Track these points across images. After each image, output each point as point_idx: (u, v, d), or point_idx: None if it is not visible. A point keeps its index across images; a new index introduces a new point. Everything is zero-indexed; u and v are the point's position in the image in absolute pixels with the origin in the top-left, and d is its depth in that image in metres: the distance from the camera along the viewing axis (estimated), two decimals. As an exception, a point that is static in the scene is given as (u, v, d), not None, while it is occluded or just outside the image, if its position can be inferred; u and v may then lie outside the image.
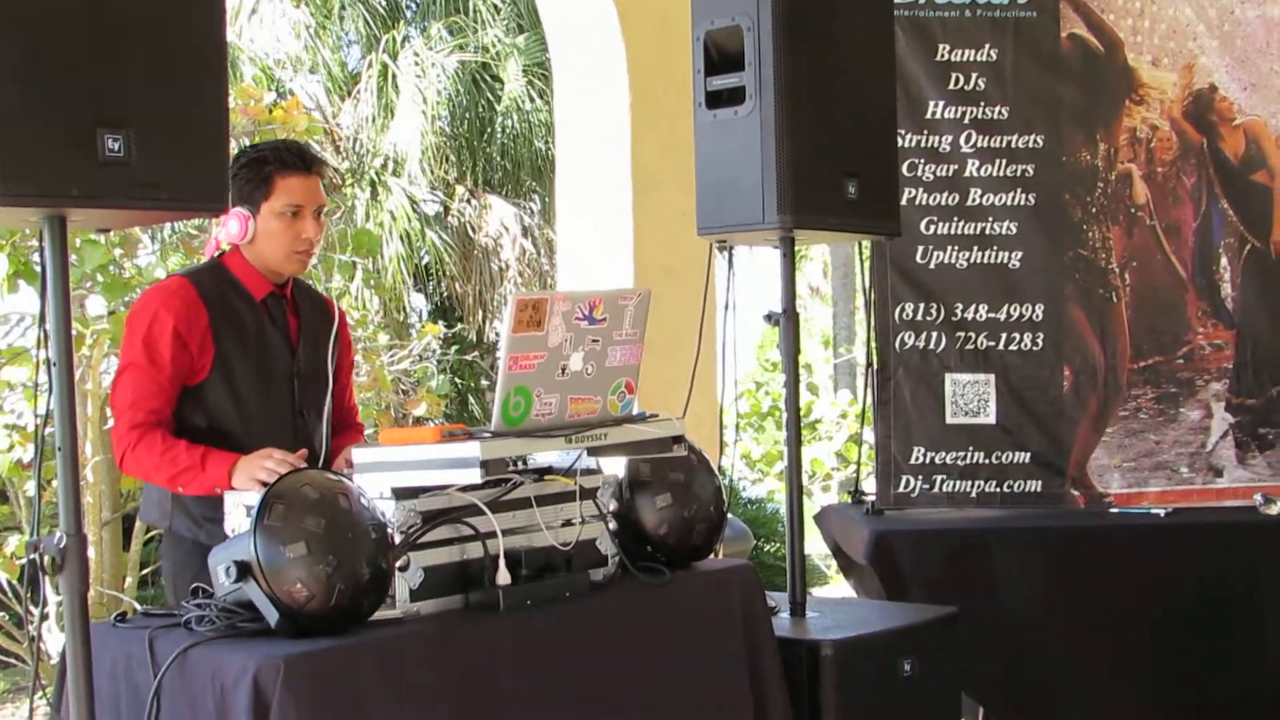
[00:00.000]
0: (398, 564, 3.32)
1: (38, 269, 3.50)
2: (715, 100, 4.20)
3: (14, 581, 7.57)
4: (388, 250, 13.33)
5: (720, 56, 4.19)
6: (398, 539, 3.33)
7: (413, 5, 14.65)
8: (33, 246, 7.14)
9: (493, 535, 3.45)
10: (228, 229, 3.89)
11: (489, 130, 14.18)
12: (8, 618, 7.98)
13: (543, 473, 3.58)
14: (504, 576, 3.44)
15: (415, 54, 13.86)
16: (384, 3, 14.34)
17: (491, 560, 3.45)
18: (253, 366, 3.87)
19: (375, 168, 13.72)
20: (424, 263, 14.45)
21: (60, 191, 2.84)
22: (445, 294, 14.68)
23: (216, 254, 3.95)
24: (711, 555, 4.04)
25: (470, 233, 14.24)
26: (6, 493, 7.80)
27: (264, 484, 3.43)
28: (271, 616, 3.16)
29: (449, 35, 14.10)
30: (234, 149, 7.96)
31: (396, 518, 3.35)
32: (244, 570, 3.16)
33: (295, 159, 3.88)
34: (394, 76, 13.80)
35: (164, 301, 3.79)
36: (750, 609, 3.94)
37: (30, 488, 6.84)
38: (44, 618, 6.53)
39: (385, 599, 3.29)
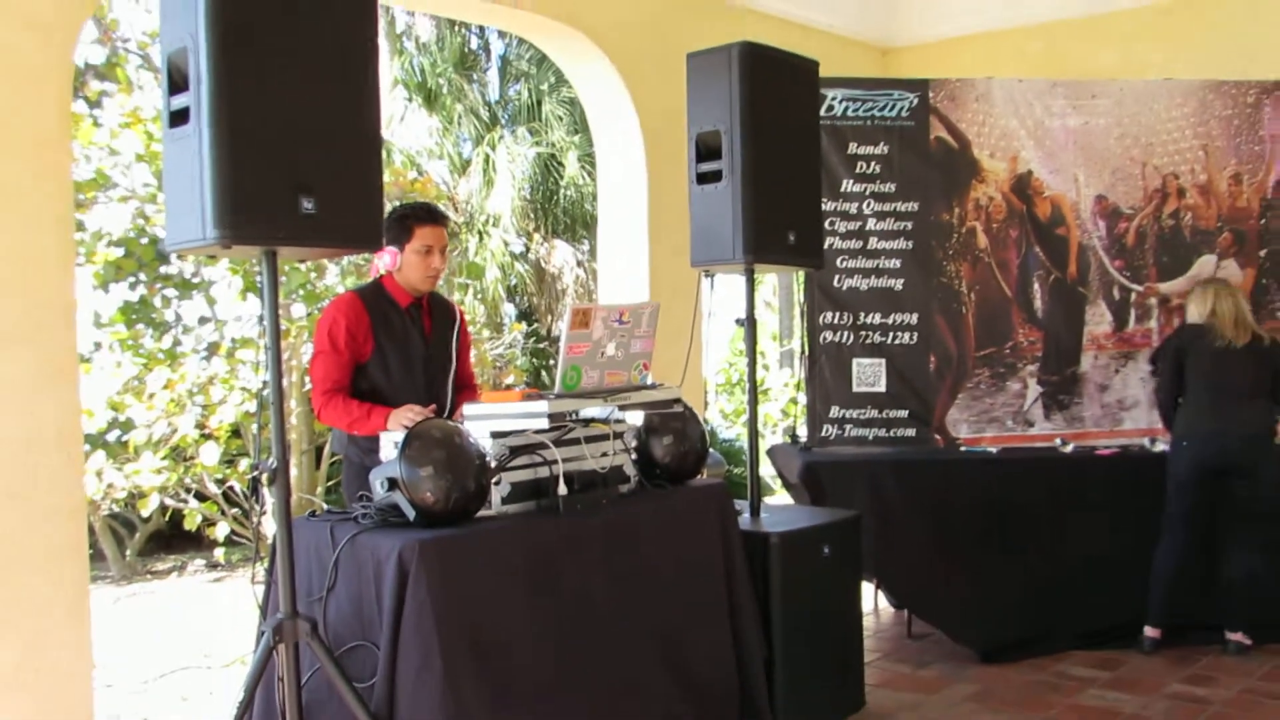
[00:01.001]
0: (493, 480, 3.33)
1: (258, 285, 3.50)
2: (703, 179, 4.20)
3: (244, 489, 7.63)
4: (489, 275, 13.32)
5: (706, 150, 4.18)
6: (493, 464, 3.33)
7: (505, 115, 14.58)
8: (256, 270, 7.21)
9: (555, 462, 3.45)
10: (383, 261, 3.89)
11: (555, 197, 14.15)
12: (241, 513, 8.04)
13: (589, 421, 3.57)
14: (562, 489, 3.44)
15: (507, 147, 13.83)
16: (487, 113, 14.31)
17: (554, 479, 3.44)
18: (398, 353, 3.87)
19: (481, 222, 13.70)
20: (513, 284, 14.41)
21: (273, 236, 2.85)
22: (526, 305, 14.65)
23: (377, 276, 3.95)
24: (699, 476, 4.02)
25: (543, 264, 14.21)
26: (240, 431, 7.85)
27: (406, 427, 3.43)
28: (410, 514, 3.17)
29: (529, 135, 14.06)
30: (388, 208, 7.94)
31: (493, 450, 3.35)
32: (393, 484, 3.17)
33: (427, 214, 3.89)
34: (493, 162, 13.78)
35: (340, 309, 3.81)
36: (724, 511, 3.94)
37: (254, 428, 6.88)
38: (263, 513, 6.55)
39: (485, 504, 3.30)
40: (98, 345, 8.38)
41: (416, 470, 3.14)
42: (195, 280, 8.50)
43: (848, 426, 5.47)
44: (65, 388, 3.95)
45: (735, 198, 4.07)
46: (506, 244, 13.59)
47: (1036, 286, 5.53)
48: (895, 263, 5.47)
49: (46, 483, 3.85)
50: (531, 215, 14.09)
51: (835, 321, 5.48)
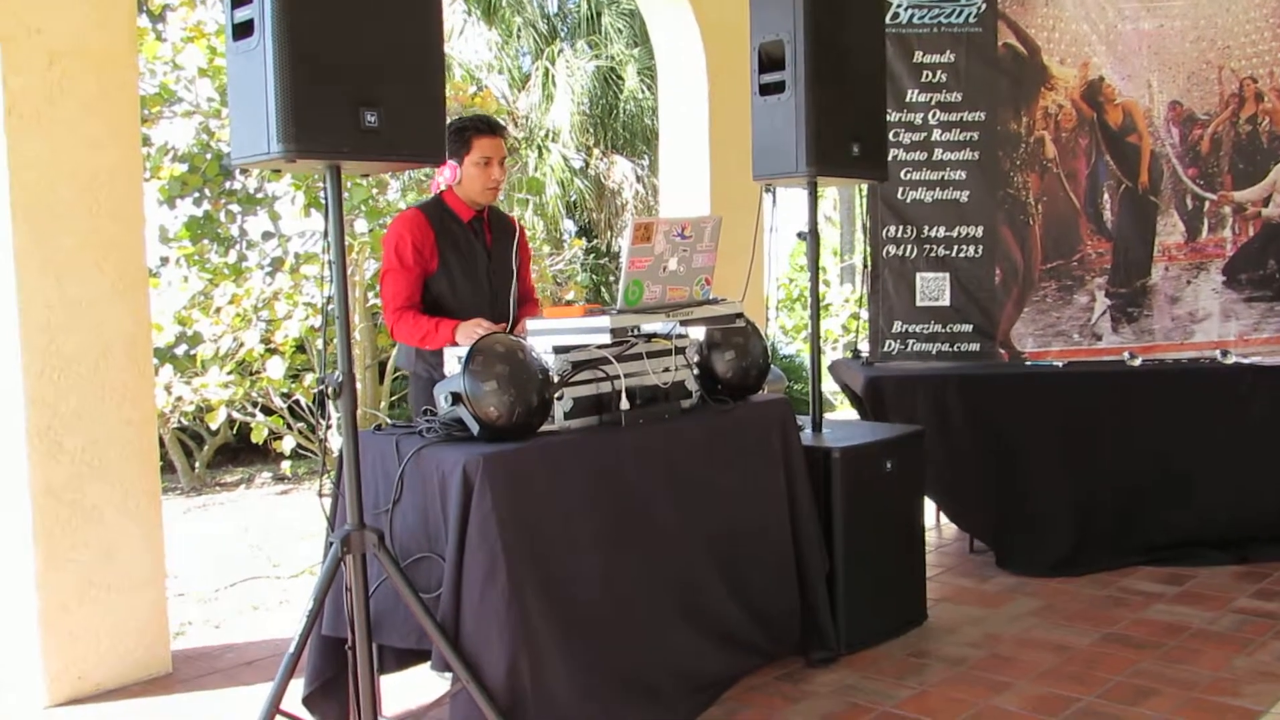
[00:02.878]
0: (556, 395, 3.32)
1: (322, 200, 3.50)
2: (766, 90, 4.11)
3: (310, 403, 7.73)
4: (548, 191, 13.25)
5: (769, 60, 4.08)
6: (556, 379, 3.32)
7: (565, 28, 14.38)
8: (319, 186, 7.22)
9: (617, 377, 3.43)
10: (444, 175, 3.87)
11: (615, 111, 13.99)
12: (307, 426, 8.15)
13: (651, 336, 3.54)
14: (624, 404, 3.42)
15: (566, 61, 13.66)
16: (546, 27, 14.12)
17: (616, 394, 3.43)
18: (462, 266, 3.87)
19: (540, 137, 13.59)
20: (573, 200, 14.33)
21: (337, 150, 2.82)
22: (586, 220, 14.59)
23: (438, 191, 3.92)
24: (761, 392, 3.99)
25: (602, 180, 14.11)
26: (305, 346, 7.93)
27: (478, 334, 3.47)
28: (474, 428, 3.17)
29: (589, 48, 13.86)
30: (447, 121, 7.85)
31: (556, 365, 3.33)
32: (457, 398, 3.17)
33: (485, 126, 3.85)
34: (553, 76, 13.62)
35: (406, 225, 3.81)
36: (785, 427, 3.90)
37: (320, 343, 6.94)
38: (329, 427, 6.63)
39: (548, 418, 3.29)
40: (164, 260, 8.49)
41: (480, 385, 3.14)
42: (259, 196, 8.55)
43: (911, 341, 5.39)
44: (136, 302, 3.99)
45: (799, 109, 3.98)
46: (566, 159, 13.49)
47: (1106, 197, 5.37)
48: (961, 174, 5.33)
49: (118, 396, 3.91)
50: (591, 130, 13.95)
51: (899, 235, 5.37)
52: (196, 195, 8.60)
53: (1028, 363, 5.35)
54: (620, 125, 13.97)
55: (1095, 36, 5.31)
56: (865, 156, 4.18)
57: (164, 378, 7.90)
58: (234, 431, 9.01)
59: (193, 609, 5.14)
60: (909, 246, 5.36)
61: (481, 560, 3.02)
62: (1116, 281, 5.39)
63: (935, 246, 5.36)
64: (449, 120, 4.08)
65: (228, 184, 8.68)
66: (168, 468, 9.95)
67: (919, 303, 5.37)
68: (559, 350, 3.36)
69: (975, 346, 5.37)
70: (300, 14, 2.71)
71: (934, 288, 5.36)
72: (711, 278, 3.63)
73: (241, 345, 7.83)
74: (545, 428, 3.31)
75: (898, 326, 5.39)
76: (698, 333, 3.81)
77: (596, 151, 14.11)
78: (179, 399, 7.97)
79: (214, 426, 8.14)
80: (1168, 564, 4.88)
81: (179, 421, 8.54)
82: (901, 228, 5.36)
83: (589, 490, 3.29)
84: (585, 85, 13.63)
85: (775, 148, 4.07)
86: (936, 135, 5.32)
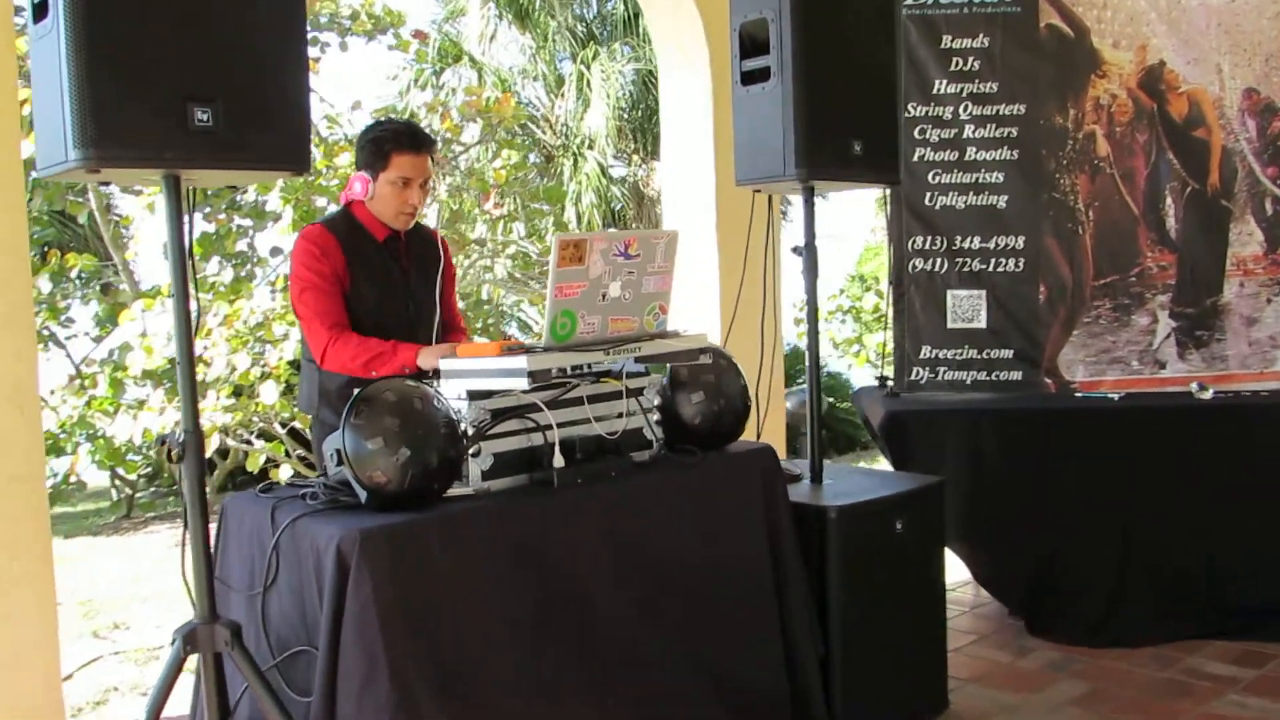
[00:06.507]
0: (470, 451, 2.72)
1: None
2: (748, 78, 3.49)
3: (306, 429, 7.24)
4: (585, 199, 12.73)
5: (752, 43, 3.47)
6: (470, 432, 2.73)
7: (603, 31, 13.83)
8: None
9: (549, 427, 2.83)
10: (352, 188, 3.31)
11: (654, 116, 13.40)
12: (307, 451, 7.67)
13: (601, 376, 2.95)
14: (559, 460, 2.82)
15: (602, 65, 13.11)
16: (583, 29, 13.58)
17: (549, 447, 2.83)
18: (377, 292, 3.31)
19: (576, 144, 13.05)
20: (616, 208, 13.79)
21: (156, 158, 2.26)
22: (624, 227, 14.04)
23: (345, 204, 3.37)
24: (738, 439, 3.36)
25: (641, 187, 13.53)
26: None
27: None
28: (360, 495, 2.60)
29: (629, 50, 13.30)
30: (440, 127, 7.25)
31: (471, 415, 2.74)
32: (341, 457, 2.60)
33: (409, 141, 3.27)
34: (588, 80, 13.07)
35: (312, 240, 3.27)
36: (769, 481, 3.26)
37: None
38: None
39: (456, 481, 2.70)
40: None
41: (363, 442, 2.56)
42: (269, 210, 8.13)
43: (941, 369, 4.71)
44: (20, 338, 3.46)
45: (785, 100, 3.35)
46: (603, 166, 12.92)
47: (1169, 201, 4.65)
48: (998, 176, 4.64)
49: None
50: (630, 135, 13.39)
51: (926, 247, 4.70)
52: (207, 210, 8.24)
53: (1078, 394, 4.64)
54: (659, 130, 13.41)
55: (1155, 14, 4.60)
56: (870, 156, 3.53)
57: (156, 401, 7.52)
58: (226, 459, 8.58)
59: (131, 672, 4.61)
60: (938, 260, 4.69)
61: (359, 660, 2.44)
62: (1182, 300, 4.66)
63: (969, 260, 4.68)
64: (369, 125, 3.53)
65: (237, 197, 8.30)
66: (174, 493, 9.58)
67: (950, 324, 4.70)
68: (475, 396, 2.77)
69: (1016, 375, 4.68)
70: (101, -17, 2.16)
71: (968, 307, 4.68)
72: (668, 305, 3.01)
73: (234, 369, 7.40)
74: (455, 491, 2.72)
75: (926, 352, 4.71)
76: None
77: (635, 158, 13.52)
78: (176, 423, 7.57)
79: (205, 454, 7.71)
80: (1240, 638, 4.14)
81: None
82: (929, 238, 4.69)
83: (506, 569, 2.68)
84: (624, 89, 13.05)
85: (760, 146, 3.46)
86: (969, 131, 4.64)
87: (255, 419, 7.56)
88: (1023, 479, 4.31)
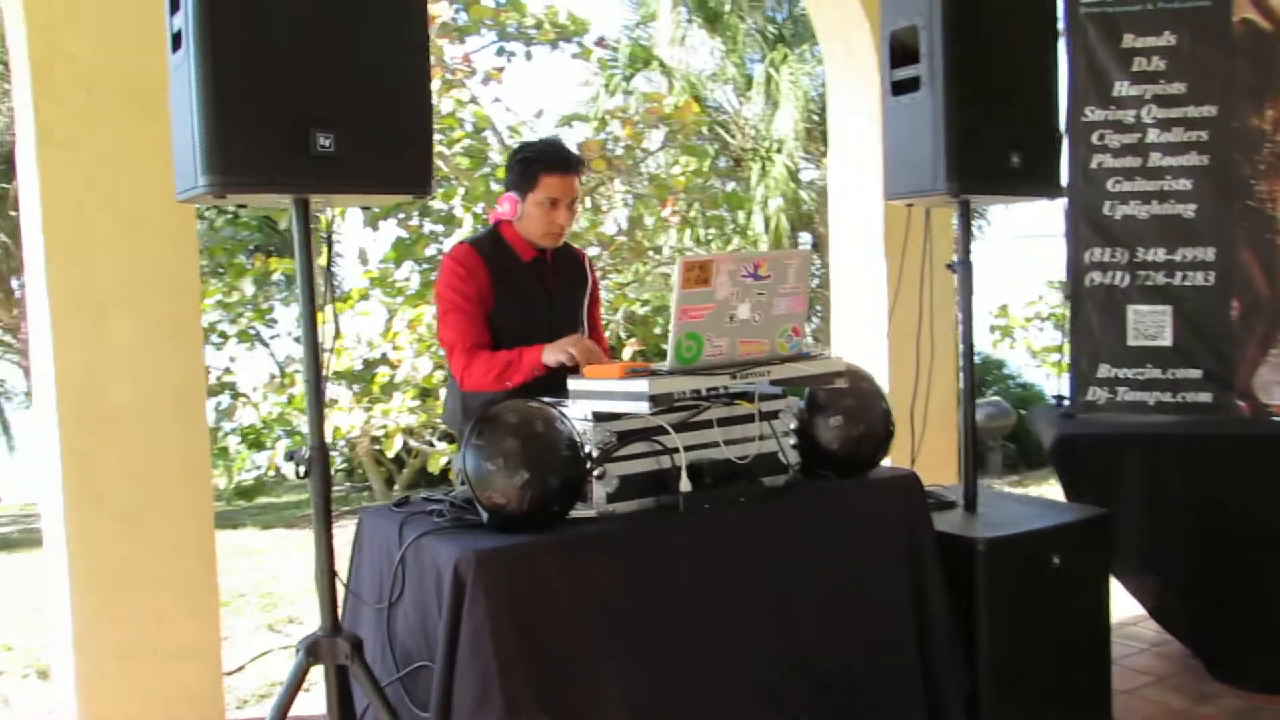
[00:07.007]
0: (595, 474, 2.70)
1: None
2: (898, 88, 3.34)
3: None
4: (772, 204, 12.60)
5: (903, 51, 3.32)
6: (595, 453, 2.71)
7: (792, 33, 13.65)
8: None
9: (676, 450, 2.78)
10: (502, 207, 3.33)
11: (846, 118, 13.18)
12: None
13: (734, 398, 2.88)
14: (685, 484, 2.76)
15: (790, 68, 12.94)
16: (773, 31, 13.44)
17: (676, 470, 2.78)
18: (521, 314, 3.32)
19: (765, 147, 12.93)
20: (808, 211, 13.61)
21: (277, 182, 2.32)
22: (818, 232, 13.83)
23: (494, 224, 3.39)
24: (880, 465, 3.22)
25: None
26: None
27: (571, 356, 3.05)
28: (482, 515, 2.61)
29: (816, 52, 13.11)
30: (616, 136, 7.26)
31: (597, 436, 2.72)
32: (465, 477, 2.62)
33: (558, 161, 3.28)
34: (776, 83, 12.93)
35: (458, 260, 3.31)
36: (912, 511, 3.12)
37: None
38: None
39: (577, 503, 2.68)
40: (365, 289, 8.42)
41: (483, 463, 2.57)
42: (458, 215, 8.36)
43: (1121, 389, 4.42)
44: (187, 346, 3.65)
45: (935, 111, 3.20)
46: (791, 170, 12.76)
47: (1384, 208, 4.24)
48: (1185, 183, 4.33)
49: (166, 449, 3.60)
50: (819, 138, 13.16)
51: (1106, 259, 4.42)
52: (401, 216, 8.54)
53: (1275, 418, 4.27)
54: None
55: (1367, 5, 4.20)
56: (1029, 168, 3.34)
57: (345, 401, 7.85)
58: (415, 459, 8.86)
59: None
60: (1119, 273, 4.40)
61: (473, 681, 2.45)
62: (1399, 316, 4.24)
63: (1153, 273, 4.38)
64: (518, 145, 3.57)
65: (432, 203, 8.57)
66: (365, 489, 9.96)
67: (1131, 341, 4.40)
68: (601, 417, 2.75)
69: (1206, 397, 4.34)
70: (231, 18, 2.24)
71: (1151, 324, 4.38)
72: (802, 327, 2.91)
73: (417, 371, 7.64)
74: (579, 513, 2.71)
75: (1104, 370, 4.43)
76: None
77: (824, 160, 13.31)
78: (367, 422, 7.89)
79: (390, 454, 7.99)
80: None
81: (372, 446, 8.49)
82: (1109, 250, 4.41)
83: (625, 594, 2.65)
84: (814, 91, 12.84)
85: (910, 159, 3.31)
86: (1153, 136, 4.34)
87: (438, 421, 7.78)
88: (1209, 510, 3.99)
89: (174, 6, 2.32)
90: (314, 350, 2.52)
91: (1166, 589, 4.15)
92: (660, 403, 2.63)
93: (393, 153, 2.42)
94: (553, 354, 3.12)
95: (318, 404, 2.52)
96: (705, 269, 2.68)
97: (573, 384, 2.84)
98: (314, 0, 2.32)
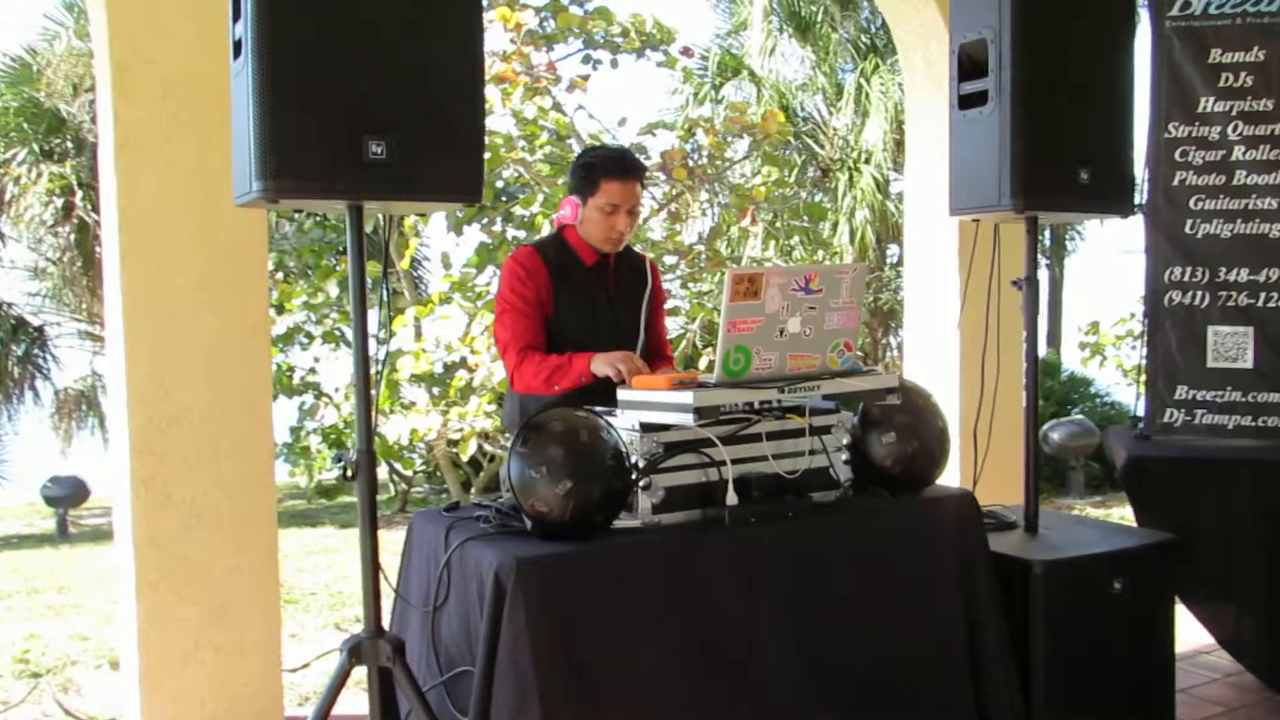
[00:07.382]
0: (641, 484, 2.70)
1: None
2: (966, 102, 3.30)
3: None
4: (859, 215, 12.48)
5: (972, 65, 3.27)
6: (641, 464, 2.70)
7: (884, 43, 13.50)
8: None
9: (723, 463, 2.76)
10: (563, 211, 3.35)
11: (935, 128, 13.00)
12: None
13: (786, 412, 2.86)
14: (731, 497, 2.75)
15: (881, 78, 12.81)
16: (865, 41, 13.32)
17: (723, 483, 2.76)
18: (581, 316, 3.33)
19: (853, 157, 12.81)
20: (894, 221, 13.45)
21: (329, 189, 2.36)
22: (900, 243, 13.66)
23: (558, 227, 3.41)
24: (935, 483, 3.17)
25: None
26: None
27: (619, 372, 3.02)
28: (526, 522, 2.62)
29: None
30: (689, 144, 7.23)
31: (643, 447, 2.71)
32: (509, 484, 2.64)
33: (618, 167, 3.28)
34: (866, 93, 12.81)
35: (520, 262, 3.34)
36: (966, 531, 3.06)
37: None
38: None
39: (622, 513, 2.68)
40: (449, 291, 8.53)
41: (527, 471, 2.58)
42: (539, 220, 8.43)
43: (1199, 412, 4.29)
44: (256, 347, 3.73)
45: (1002, 125, 3.14)
46: (880, 181, 12.62)
47: None
48: (1271, 202, 4.19)
49: (233, 447, 3.67)
50: (909, 149, 13.04)
51: (1185, 279, 4.30)
52: (485, 221, 8.62)
53: (1363, 447, 4.12)
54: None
55: None
56: (1100, 185, 3.26)
57: (423, 403, 7.95)
58: (492, 463, 8.93)
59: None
60: (1199, 293, 4.28)
61: (511, 688, 2.46)
62: None
63: (1235, 293, 4.24)
64: (582, 150, 3.59)
65: (515, 208, 8.64)
66: (444, 492, 10.07)
67: (1211, 363, 4.27)
68: (649, 428, 2.74)
69: (1289, 422, 4.20)
70: (289, 26, 2.29)
71: (1232, 345, 4.24)
72: (854, 341, 2.88)
73: (493, 375, 7.70)
74: (624, 523, 2.70)
75: (1182, 392, 4.31)
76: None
77: (909, 173, 13.17)
78: (444, 425, 7.97)
79: (465, 457, 8.06)
80: None
81: (449, 450, 8.58)
82: (1190, 270, 4.29)
83: (667, 606, 2.64)
84: (901, 102, 12.70)
85: (976, 173, 3.26)
86: (1238, 154, 4.21)
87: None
88: (1283, 539, 3.86)
89: (236, 14, 2.38)
90: (363, 354, 2.56)
91: (1241, 618, 4.01)
92: (705, 415, 2.62)
93: (444, 161, 2.44)
94: (601, 366, 3.11)
95: (365, 408, 2.55)
96: (755, 282, 2.66)
97: (622, 394, 2.84)
98: (370, 9, 2.36)
